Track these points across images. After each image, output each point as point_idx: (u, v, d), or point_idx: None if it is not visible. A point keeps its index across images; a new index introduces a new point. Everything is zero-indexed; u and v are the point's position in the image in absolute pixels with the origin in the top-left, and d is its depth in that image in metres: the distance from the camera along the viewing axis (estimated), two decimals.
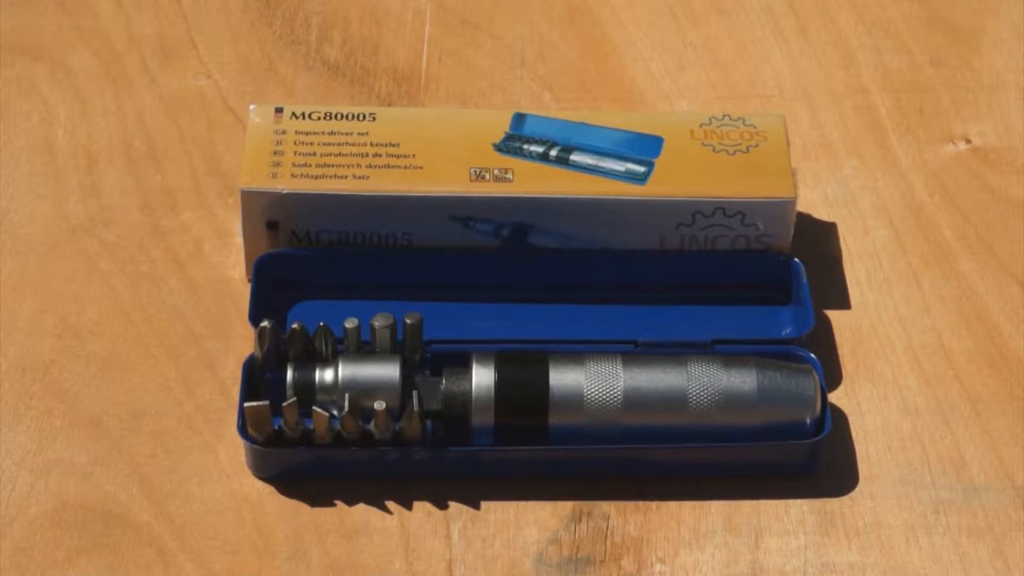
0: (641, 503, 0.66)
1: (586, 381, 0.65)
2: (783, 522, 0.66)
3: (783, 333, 0.71)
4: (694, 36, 0.85)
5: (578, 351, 0.67)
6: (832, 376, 0.70)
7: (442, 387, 0.66)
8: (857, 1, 0.86)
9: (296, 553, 0.64)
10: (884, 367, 0.71)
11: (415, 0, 0.87)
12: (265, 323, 0.67)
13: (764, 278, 0.73)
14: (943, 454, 0.68)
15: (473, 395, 0.65)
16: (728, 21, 0.86)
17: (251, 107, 0.74)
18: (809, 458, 0.67)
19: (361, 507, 0.66)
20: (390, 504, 0.66)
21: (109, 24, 0.85)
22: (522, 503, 0.66)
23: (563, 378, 0.66)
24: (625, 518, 0.66)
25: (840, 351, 0.72)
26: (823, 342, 0.72)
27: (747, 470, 0.67)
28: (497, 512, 0.66)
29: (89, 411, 0.69)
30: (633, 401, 0.65)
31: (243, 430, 0.66)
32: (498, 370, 0.66)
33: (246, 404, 0.65)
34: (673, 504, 0.66)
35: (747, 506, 0.66)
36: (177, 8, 0.86)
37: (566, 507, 0.66)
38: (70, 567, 0.64)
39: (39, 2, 0.86)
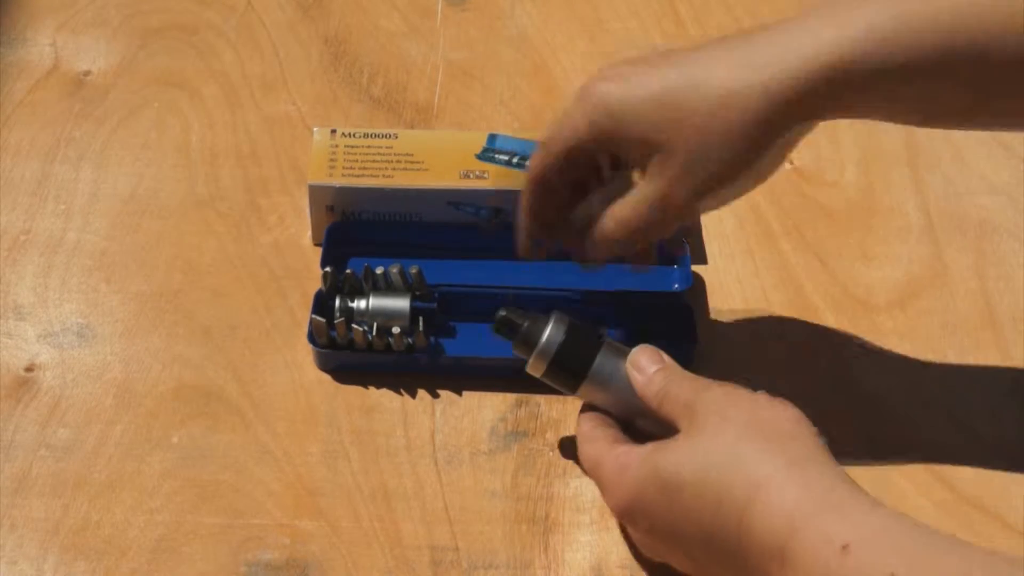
0: (561, 396, 0.65)
1: (620, 376, 0.58)
2: None
3: (674, 287, 0.70)
4: None
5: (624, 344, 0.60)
6: (699, 314, 0.69)
7: (523, 328, 0.59)
8: None
9: (331, 422, 0.64)
10: (729, 311, 0.71)
11: (433, 57, 0.86)
12: (328, 268, 0.67)
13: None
14: (765, 359, 0.68)
15: (539, 346, 0.59)
16: None
17: (315, 129, 0.73)
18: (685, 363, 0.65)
19: (377, 392, 0.66)
20: (396, 391, 0.66)
21: (230, 67, 0.85)
22: (483, 393, 0.66)
23: (604, 361, 0.58)
24: (550, 406, 0.65)
25: (706, 298, 0.71)
26: (693, 292, 0.71)
27: None
28: (466, 399, 0.66)
29: (202, 323, 0.69)
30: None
31: (310, 336, 0.66)
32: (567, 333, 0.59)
33: (312, 317, 0.65)
34: None
35: None
36: (275, 58, 0.85)
37: (512, 397, 0.66)
38: (183, 427, 0.64)
39: (184, 51, 0.86)
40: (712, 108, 0.53)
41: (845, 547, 0.46)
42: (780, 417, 0.52)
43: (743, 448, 0.51)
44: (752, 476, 0.50)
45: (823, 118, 0.55)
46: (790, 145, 0.57)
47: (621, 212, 0.58)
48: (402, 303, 0.66)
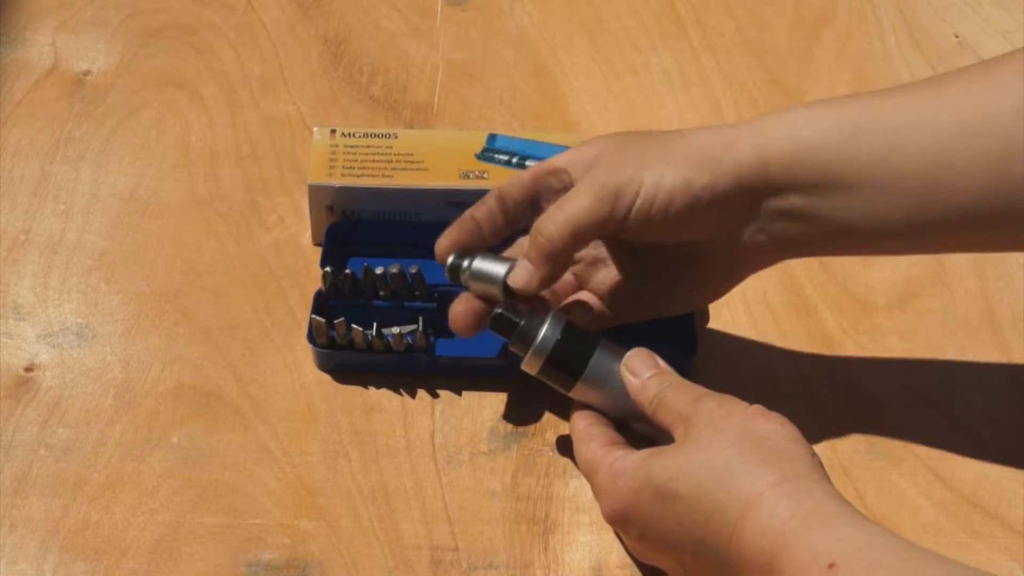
0: (562, 396, 0.64)
1: (614, 377, 0.59)
2: None
3: None
4: (615, 88, 0.84)
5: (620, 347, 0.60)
6: (699, 314, 0.69)
7: (520, 325, 0.59)
8: (724, 68, 0.85)
9: (331, 422, 0.64)
10: (729, 311, 0.70)
11: (432, 57, 0.86)
12: (328, 268, 0.67)
13: None
14: (766, 360, 0.68)
15: (535, 344, 0.59)
16: (638, 79, 0.85)
17: (315, 129, 0.73)
18: (686, 364, 0.64)
19: (377, 392, 0.66)
20: (396, 391, 0.66)
21: (230, 67, 0.85)
22: (483, 393, 0.66)
23: (599, 362, 0.59)
24: (551, 406, 0.65)
25: None
26: None
27: None
28: (466, 400, 0.66)
29: (201, 323, 0.69)
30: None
31: (310, 336, 0.65)
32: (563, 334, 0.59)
33: (312, 317, 0.65)
34: None
35: None
36: (275, 57, 0.85)
37: (512, 397, 0.66)
38: (183, 426, 0.64)
39: (184, 51, 0.86)
40: (676, 149, 0.58)
41: (831, 566, 0.46)
42: (775, 433, 0.53)
43: (736, 463, 0.51)
44: (744, 492, 0.50)
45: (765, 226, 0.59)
46: (739, 268, 0.61)
47: (567, 206, 0.58)
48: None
